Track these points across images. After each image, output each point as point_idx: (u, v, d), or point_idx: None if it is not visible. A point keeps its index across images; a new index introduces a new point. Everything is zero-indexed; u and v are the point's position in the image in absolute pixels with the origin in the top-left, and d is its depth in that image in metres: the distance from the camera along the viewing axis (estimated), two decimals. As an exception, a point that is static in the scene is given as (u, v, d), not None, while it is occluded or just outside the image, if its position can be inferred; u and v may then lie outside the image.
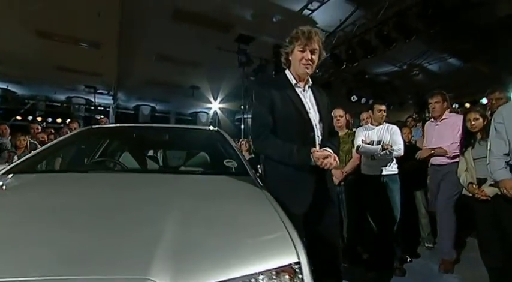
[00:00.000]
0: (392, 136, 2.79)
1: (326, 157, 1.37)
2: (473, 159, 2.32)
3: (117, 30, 7.78)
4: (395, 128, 2.86)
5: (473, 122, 2.36)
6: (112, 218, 0.91)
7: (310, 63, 1.53)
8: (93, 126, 2.22)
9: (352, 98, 8.34)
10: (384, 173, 2.72)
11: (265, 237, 0.85)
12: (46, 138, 4.51)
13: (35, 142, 4.61)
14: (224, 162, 1.69)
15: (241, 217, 0.99)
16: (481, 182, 2.25)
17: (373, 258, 2.71)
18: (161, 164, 1.94)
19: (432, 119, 3.07)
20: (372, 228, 2.72)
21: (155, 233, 0.80)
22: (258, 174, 1.70)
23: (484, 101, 8.25)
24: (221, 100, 13.79)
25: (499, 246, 2.05)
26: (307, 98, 1.62)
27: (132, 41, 8.32)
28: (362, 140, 2.89)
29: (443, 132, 2.86)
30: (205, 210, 1.01)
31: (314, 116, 1.58)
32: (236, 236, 0.83)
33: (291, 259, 0.76)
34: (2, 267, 0.64)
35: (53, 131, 4.98)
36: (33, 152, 1.74)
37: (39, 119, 12.56)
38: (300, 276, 0.74)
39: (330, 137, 1.63)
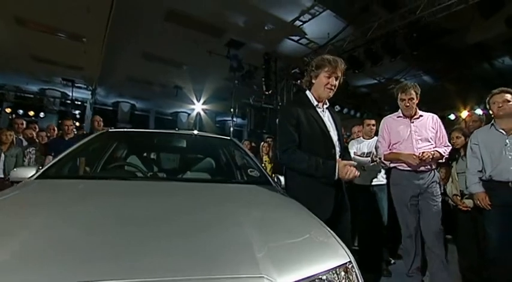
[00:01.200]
0: (382, 149, 3.09)
1: (351, 166, 1.61)
2: (457, 173, 2.66)
3: (105, 26, 7.59)
4: (385, 141, 3.16)
5: (455, 140, 2.71)
6: (189, 224, 1.01)
7: (333, 88, 1.74)
8: (111, 130, 2.26)
9: (335, 107, 8.79)
10: (373, 183, 3.02)
11: (320, 240, 1.03)
12: (35, 135, 4.36)
13: (21, 138, 4.43)
14: (248, 171, 1.84)
15: (292, 223, 1.16)
16: (463, 193, 2.61)
17: (363, 260, 2.98)
18: (184, 171, 2.01)
19: (399, 115, 2.60)
20: (362, 233, 3.00)
21: (239, 235, 0.93)
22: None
23: (452, 116, 9.11)
24: (204, 101, 13.76)
25: (475, 250, 2.40)
26: (326, 117, 1.82)
27: (120, 38, 8.13)
28: (354, 152, 3.17)
29: (425, 132, 2.49)
30: (259, 216, 1.17)
31: (333, 134, 1.78)
32: (300, 240, 1.01)
33: (344, 259, 0.95)
34: (115, 269, 0.70)
35: (36, 127, 4.77)
36: (60, 156, 1.77)
37: (8, 110, 11.78)
38: (353, 271, 0.94)
39: (345, 153, 1.86)
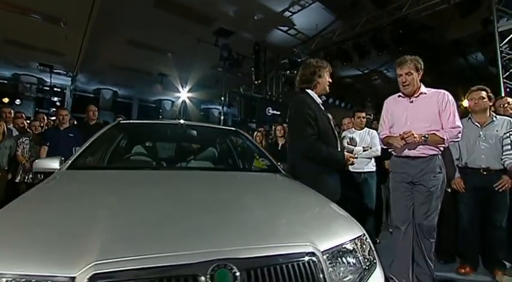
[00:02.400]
0: (372, 139, 3.37)
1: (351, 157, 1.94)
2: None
3: (89, 10, 7.30)
4: (374, 132, 3.42)
5: None
6: (230, 204, 1.18)
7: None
8: (122, 121, 2.33)
9: (321, 97, 9.07)
10: (364, 170, 3.30)
11: (338, 217, 1.25)
12: (26, 125, 4.27)
13: (11, 127, 4.33)
14: (260, 160, 2.03)
15: (313, 203, 1.37)
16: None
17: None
18: (201, 160, 2.16)
19: (400, 95, 2.25)
20: (352, 214, 3.29)
21: (276, 212, 1.12)
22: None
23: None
24: (190, 89, 13.60)
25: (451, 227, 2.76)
26: (326, 113, 2.04)
27: (105, 23, 7.85)
28: (347, 142, 3.44)
29: (423, 112, 2.12)
30: (285, 197, 1.37)
31: (334, 127, 2.03)
32: (324, 216, 1.22)
33: (359, 232, 1.17)
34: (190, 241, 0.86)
35: (23, 115, 4.66)
36: (82, 148, 1.86)
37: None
38: (367, 242, 1.16)
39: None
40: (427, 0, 5.28)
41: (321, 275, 0.88)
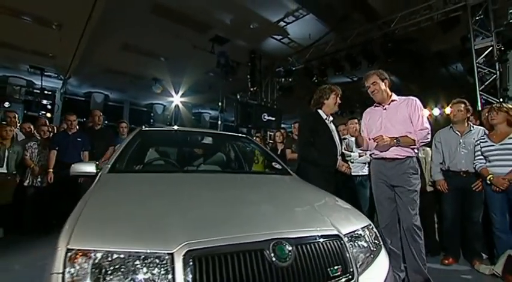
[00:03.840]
0: (366, 145, 3.71)
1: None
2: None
3: (88, 14, 7.38)
4: (368, 139, 3.78)
5: None
6: (260, 199, 1.47)
7: (339, 105, 2.57)
8: (144, 129, 2.53)
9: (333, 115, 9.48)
10: (359, 173, 3.63)
11: (347, 209, 1.55)
12: (32, 129, 4.37)
13: (17, 132, 4.41)
14: (273, 164, 2.31)
15: (325, 198, 1.66)
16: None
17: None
18: (222, 165, 2.40)
19: (376, 105, 2.50)
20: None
21: (299, 204, 1.41)
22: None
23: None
24: (182, 94, 13.75)
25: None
26: (332, 127, 2.54)
27: (102, 28, 7.95)
28: (344, 148, 3.76)
29: (395, 117, 2.33)
30: (301, 193, 1.66)
31: (336, 138, 2.50)
32: (337, 208, 1.52)
33: (366, 221, 1.46)
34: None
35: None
36: (115, 154, 2.07)
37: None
38: (373, 231, 1.45)
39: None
40: (413, 17, 5.81)
41: (346, 253, 1.16)
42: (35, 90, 12.15)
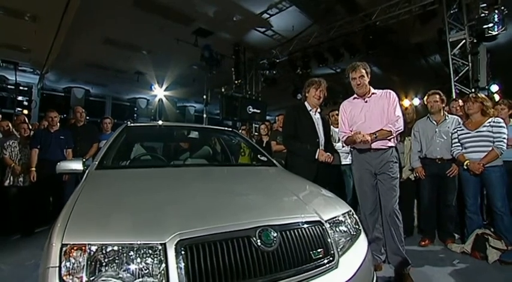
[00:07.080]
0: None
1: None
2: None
3: (64, 6, 7.08)
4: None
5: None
6: (246, 189, 1.54)
7: (319, 98, 2.66)
8: (130, 124, 2.52)
9: (297, 96, 9.54)
10: (343, 163, 3.77)
11: (329, 196, 1.66)
12: (10, 127, 4.23)
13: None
14: (258, 156, 2.38)
15: (308, 187, 1.75)
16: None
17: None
18: (208, 158, 2.45)
19: (355, 97, 2.56)
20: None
21: (284, 193, 1.50)
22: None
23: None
24: (166, 87, 13.51)
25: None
26: (316, 119, 2.65)
27: (81, 20, 7.66)
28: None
29: (376, 110, 2.42)
30: (287, 182, 1.75)
31: (320, 129, 2.63)
32: (319, 196, 1.61)
33: (347, 208, 1.56)
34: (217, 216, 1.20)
35: None
36: (102, 150, 2.07)
37: None
38: (354, 217, 1.55)
39: (327, 143, 2.68)
40: (393, 10, 5.96)
41: (327, 237, 1.25)
42: (9, 86, 11.62)
